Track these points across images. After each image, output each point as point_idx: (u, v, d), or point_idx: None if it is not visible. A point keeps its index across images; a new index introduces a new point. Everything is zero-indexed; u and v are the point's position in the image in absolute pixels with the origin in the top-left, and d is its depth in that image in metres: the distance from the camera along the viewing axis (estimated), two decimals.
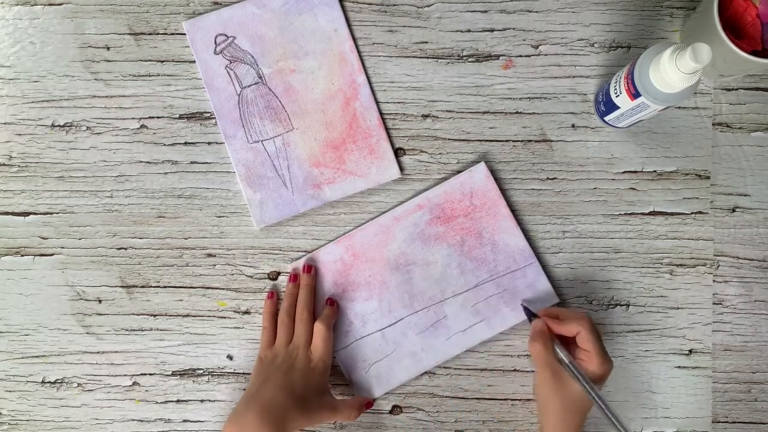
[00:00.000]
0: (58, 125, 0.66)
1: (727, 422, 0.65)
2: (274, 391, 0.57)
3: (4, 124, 0.66)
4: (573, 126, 0.66)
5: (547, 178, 0.66)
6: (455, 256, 0.65)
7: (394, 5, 0.66)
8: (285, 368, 0.59)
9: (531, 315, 0.61)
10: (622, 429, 0.54)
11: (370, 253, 0.65)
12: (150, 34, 0.66)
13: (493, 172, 0.66)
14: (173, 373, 0.65)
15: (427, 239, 0.65)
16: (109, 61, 0.66)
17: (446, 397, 0.65)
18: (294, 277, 0.64)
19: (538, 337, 0.58)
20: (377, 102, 0.66)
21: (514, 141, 0.66)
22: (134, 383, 0.65)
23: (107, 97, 0.66)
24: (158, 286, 0.65)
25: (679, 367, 0.65)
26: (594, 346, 0.56)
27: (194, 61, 0.66)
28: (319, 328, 0.61)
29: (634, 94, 0.56)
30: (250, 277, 0.66)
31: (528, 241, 0.65)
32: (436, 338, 0.64)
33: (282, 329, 0.63)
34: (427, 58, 0.66)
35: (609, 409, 0.55)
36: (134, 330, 0.65)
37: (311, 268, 0.64)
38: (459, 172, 0.66)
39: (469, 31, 0.66)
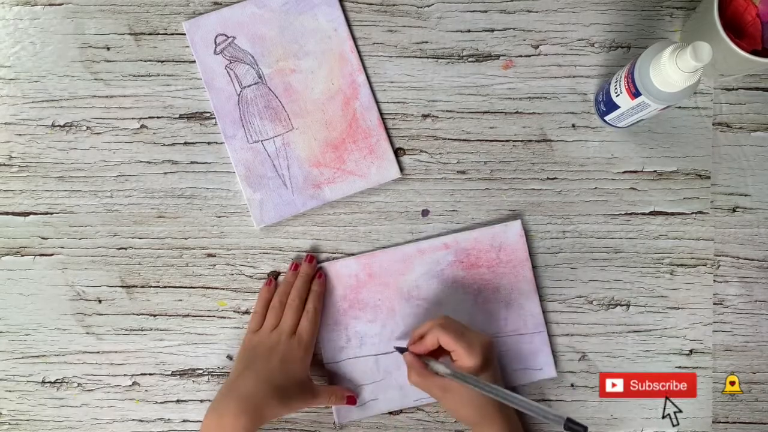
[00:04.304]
0: (58, 125, 0.66)
1: (727, 422, 0.65)
2: (252, 380, 0.57)
3: (4, 124, 0.66)
4: (573, 126, 0.66)
5: (547, 178, 0.66)
6: (468, 305, 0.64)
7: (394, 5, 0.66)
8: (266, 355, 0.59)
9: (402, 351, 0.61)
10: (525, 407, 0.53)
11: (386, 277, 0.65)
12: (150, 34, 0.66)
13: (494, 173, 0.66)
14: (173, 373, 0.65)
15: (444, 280, 0.64)
16: (109, 61, 0.66)
17: None
18: (295, 266, 0.64)
19: (410, 370, 0.59)
20: (377, 102, 0.66)
21: (514, 141, 0.66)
22: (134, 383, 0.65)
23: (107, 97, 0.66)
24: (158, 286, 0.65)
25: (679, 367, 0.65)
26: (455, 343, 0.56)
27: (194, 61, 0.66)
28: (307, 309, 0.62)
29: (635, 94, 0.56)
30: (250, 277, 0.65)
31: (542, 312, 0.64)
32: None
33: (272, 314, 0.63)
34: (427, 58, 0.66)
35: (503, 393, 0.54)
36: (134, 330, 0.65)
37: (313, 259, 0.64)
38: (461, 172, 0.66)
39: (469, 31, 0.66)
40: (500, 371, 0.60)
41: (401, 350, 0.61)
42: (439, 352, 0.59)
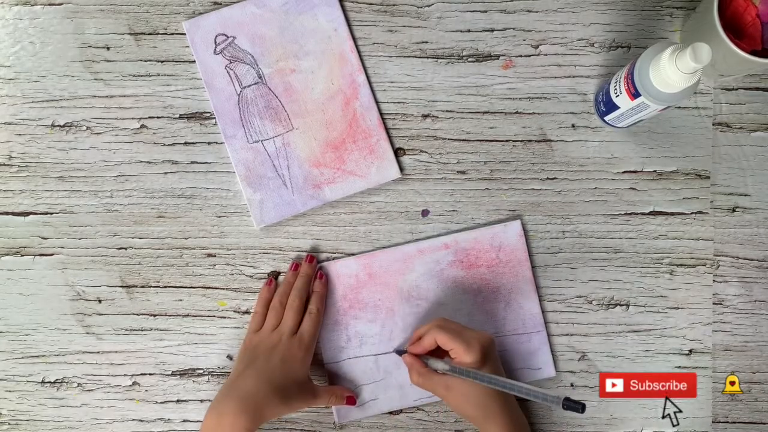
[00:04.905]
0: (58, 125, 0.66)
1: (727, 422, 0.65)
2: (253, 379, 0.57)
3: (4, 124, 0.66)
4: (573, 126, 0.66)
5: (547, 178, 0.66)
6: (467, 304, 0.64)
7: (394, 5, 0.66)
8: (267, 355, 0.59)
9: (402, 353, 0.61)
10: (524, 393, 0.54)
11: (386, 277, 0.65)
12: (150, 34, 0.66)
13: (494, 173, 0.66)
14: (173, 373, 0.65)
15: (444, 280, 0.64)
16: (109, 61, 0.66)
17: None
18: (295, 266, 0.64)
19: (411, 371, 0.60)
20: (377, 102, 0.66)
21: (514, 141, 0.66)
22: (134, 383, 0.65)
23: (107, 97, 0.66)
24: (158, 286, 0.65)
25: (679, 367, 0.65)
26: (452, 341, 0.56)
27: (194, 61, 0.66)
28: (310, 310, 0.62)
29: (634, 94, 0.56)
30: (250, 277, 0.66)
31: (542, 311, 0.65)
32: None
33: (272, 314, 0.63)
34: (427, 58, 0.66)
35: (501, 381, 0.55)
36: (134, 330, 0.65)
37: (313, 259, 0.64)
38: (461, 172, 0.66)
39: (469, 31, 0.66)
40: (502, 368, 0.60)
41: (400, 352, 0.61)
42: (438, 354, 0.59)
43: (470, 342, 0.56)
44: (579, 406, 0.50)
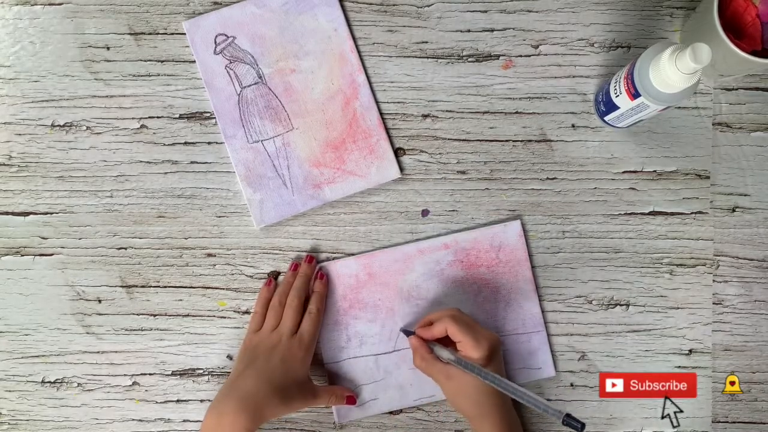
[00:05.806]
0: (58, 125, 0.66)
1: (727, 422, 0.65)
2: (252, 379, 0.58)
3: (4, 124, 0.66)
4: (573, 126, 0.66)
5: (547, 178, 0.66)
6: (467, 304, 0.64)
7: (394, 5, 0.66)
8: (266, 355, 0.60)
9: (409, 334, 0.62)
10: (526, 400, 0.54)
11: (386, 277, 0.65)
12: (150, 34, 0.66)
13: (494, 173, 0.66)
14: (173, 373, 0.65)
15: (444, 279, 0.65)
16: (109, 61, 0.66)
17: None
18: (295, 266, 0.65)
19: (415, 354, 0.60)
20: (377, 102, 0.66)
21: (514, 141, 0.66)
22: (134, 383, 0.65)
23: (107, 97, 0.66)
24: (158, 286, 0.65)
25: (679, 367, 0.65)
26: (462, 335, 0.57)
27: (194, 61, 0.66)
28: (310, 309, 0.62)
29: (634, 94, 0.56)
30: (250, 277, 0.66)
31: (541, 311, 0.65)
32: (427, 378, 0.61)
33: (271, 314, 0.63)
34: (427, 58, 0.66)
35: (504, 383, 0.55)
36: (134, 330, 0.65)
37: (312, 259, 0.64)
38: (461, 172, 0.66)
39: (469, 31, 0.66)
40: (504, 370, 0.61)
41: (408, 333, 0.61)
42: (444, 342, 0.59)
43: (479, 339, 0.57)
44: (579, 425, 0.51)
